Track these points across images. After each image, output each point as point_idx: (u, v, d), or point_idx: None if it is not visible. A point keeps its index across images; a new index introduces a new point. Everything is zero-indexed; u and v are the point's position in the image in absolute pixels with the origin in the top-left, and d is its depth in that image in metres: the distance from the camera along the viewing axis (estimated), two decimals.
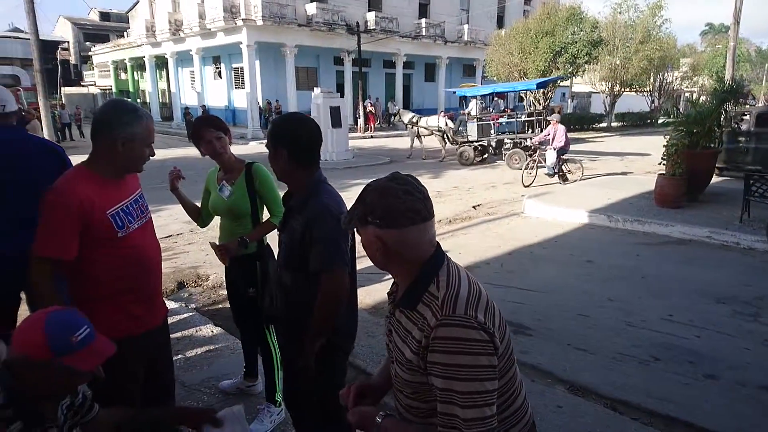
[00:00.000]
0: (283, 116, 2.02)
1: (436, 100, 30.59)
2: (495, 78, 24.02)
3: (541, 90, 20.44)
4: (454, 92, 19.09)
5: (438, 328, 1.09)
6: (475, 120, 14.85)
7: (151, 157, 1.91)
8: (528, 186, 10.59)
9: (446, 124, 15.11)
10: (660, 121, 12.27)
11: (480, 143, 14.54)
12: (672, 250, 6.34)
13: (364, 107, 24.23)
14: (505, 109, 20.12)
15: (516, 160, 13.24)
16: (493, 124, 15.40)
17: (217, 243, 2.75)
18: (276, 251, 2.20)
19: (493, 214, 8.25)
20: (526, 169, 10.97)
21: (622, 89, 28.30)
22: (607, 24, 25.84)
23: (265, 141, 2.14)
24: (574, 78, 24.92)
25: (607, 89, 28.32)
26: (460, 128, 15.25)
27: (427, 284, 1.17)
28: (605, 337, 3.98)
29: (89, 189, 1.76)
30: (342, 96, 17.36)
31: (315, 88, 15.89)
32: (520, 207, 8.63)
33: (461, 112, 17.35)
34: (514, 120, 15.73)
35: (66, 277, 1.81)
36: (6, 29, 41.26)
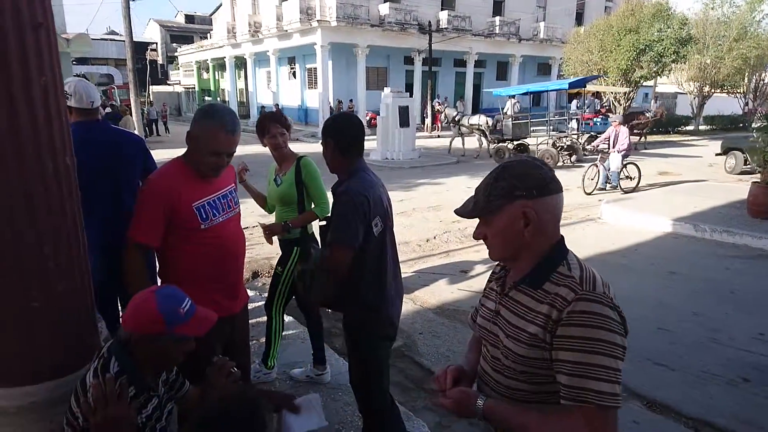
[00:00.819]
0: (334, 114, 2.31)
1: (506, 99, 29.77)
2: (572, 77, 23.09)
3: (623, 90, 19.46)
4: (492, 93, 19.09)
5: (577, 302, 1.13)
6: (510, 119, 15.33)
7: (219, 167, 1.95)
8: (590, 194, 9.82)
9: (486, 123, 15.44)
10: (755, 126, 11.15)
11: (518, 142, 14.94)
12: (765, 265, 5.82)
13: (432, 107, 24.13)
14: (600, 109, 19.22)
15: (548, 158, 13.05)
16: (580, 121, 15.80)
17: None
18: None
19: (566, 219, 7.95)
20: (587, 176, 10.03)
21: (712, 90, 26.23)
22: (698, 21, 24.02)
23: None
24: (659, 78, 23.38)
25: (695, 90, 26.36)
26: (497, 127, 15.55)
27: (556, 265, 1.21)
28: (688, 354, 3.72)
29: (179, 182, 1.91)
30: (411, 95, 17.36)
31: (385, 88, 16.03)
32: (596, 212, 8.26)
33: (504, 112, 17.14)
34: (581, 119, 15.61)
35: (155, 262, 1.98)
36: (104, 32, 45.00)
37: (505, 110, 16.91)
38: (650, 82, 26.05)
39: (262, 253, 6.28)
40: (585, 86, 16.98)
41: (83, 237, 1.94)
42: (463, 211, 1.28)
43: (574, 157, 13.98)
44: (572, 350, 1.11)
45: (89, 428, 1.36)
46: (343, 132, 2.10)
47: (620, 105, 20.92)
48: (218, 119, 1.88)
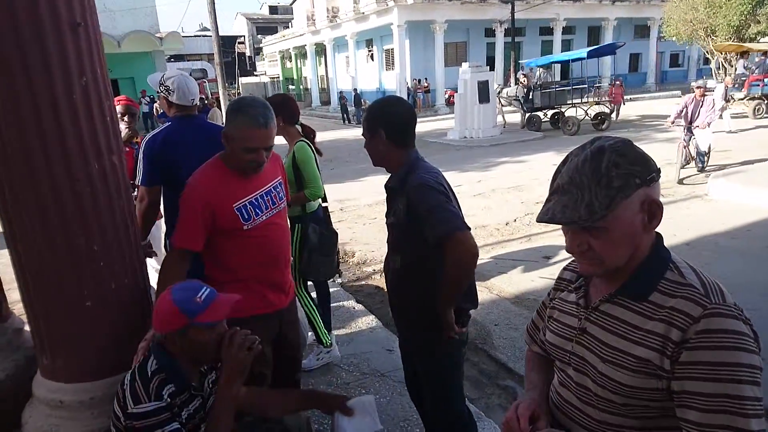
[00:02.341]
0: (378, 100, 1.98)
1: (599, 67, 27.67)
2: (674, 38, 20.90)
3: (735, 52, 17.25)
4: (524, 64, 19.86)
5: (707, 318, 0.91)
6: (539, 89, 15.35)
7: (258, 163, 1.85)
8: (682, 182, 7.91)
9: (523, 92, 15.54)
10: None
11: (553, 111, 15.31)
12: None
13: (516, 79, 22.98)
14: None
15: (570, 125, 13.93)
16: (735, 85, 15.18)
17: None
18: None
19: (668, 196, 7.16)
20: (677, 161, 8.02)
21: None
22: None
23: None
24: None
25: None
26: (530, 96, 15.50)
27: (662, 270, 0.99)
28: None
29: (218, 182, 1.85)
30: (492, 69, 16.65)
31: (463, 63, 15.46)
32: (703, 189, 7.37)
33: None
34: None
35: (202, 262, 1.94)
36: (197, 29, 47.93)
37: (535, 80, 16.91)
38: None
39: None
40: (615, 53, 17.67)
41: (136, 235, 1.95)
42: (572, 218, 0.95)
43: (605, 124, 14.44)
44: (705, 379, 0.89)
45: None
46: (395, 119, 1.84)
47: (731, 67, 18.57)
48: (248, 114, 1.78)
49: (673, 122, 8.36)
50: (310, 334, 3.25)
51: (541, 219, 1.00)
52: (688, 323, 0.91)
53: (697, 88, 8.23)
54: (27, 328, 2.09)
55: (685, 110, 8.08)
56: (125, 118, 3.77)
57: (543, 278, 4.62)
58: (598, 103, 15.01)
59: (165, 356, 1.46)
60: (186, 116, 2.67)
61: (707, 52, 20.19)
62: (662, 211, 0.97)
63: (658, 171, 0.98)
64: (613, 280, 1.04)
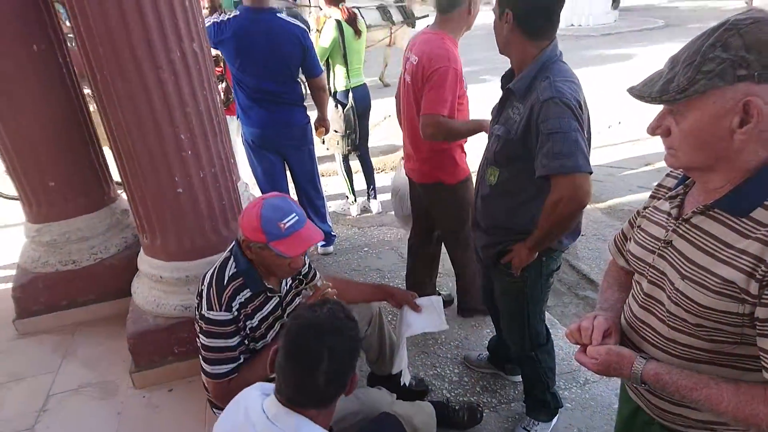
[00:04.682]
0: None
1: None
2: None
3: None
4: None
5: None
6: None
7: None
8: None
9: None
10: None
11: None
12: None
13: None
14: None
15: None
16: None
17: None
18: None
19: None
20: None
21: None
22: None
23: None
24: None
25: None
26: None
27: None
28: None
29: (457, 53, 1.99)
30: None
31: None
32: None
33: None
34: None
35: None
36: None
37: None
38: None
39: None
40: None
41: (221, 126, 1.98)
42: (645, 92, 0.84)
43: None
44: None
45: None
46: (531, 1, 1.46)
47: None
48: None
49: None
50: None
51: (627, 89, 0.89)
52: None
53: None
54: None
55: None
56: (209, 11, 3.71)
57: (641, 187, 4.25)
58: None
59: (244, 260, 1.47)
60: (252, 8, 2.60)
61: None
62: (765, 119, 0.76)
63: None
64: (713, 189, 0.88)
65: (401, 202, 2.66)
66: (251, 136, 2.85)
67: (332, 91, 3.52)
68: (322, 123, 3.12)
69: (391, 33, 7.65)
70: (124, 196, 2.29)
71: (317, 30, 3.75)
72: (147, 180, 1.84)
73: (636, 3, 14.43)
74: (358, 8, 8.04)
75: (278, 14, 2.70)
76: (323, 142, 3.61)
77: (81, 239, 2.36)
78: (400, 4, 8.14)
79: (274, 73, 2.68)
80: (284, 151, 2.94)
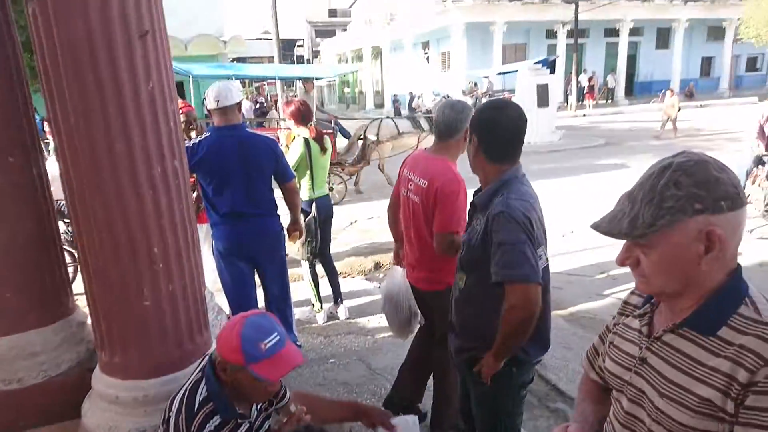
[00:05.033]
0: (487, 102, 1.92)
1: (669, 69, 26.36)
2: (753, 41, 19.55)
3: None
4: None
5: None
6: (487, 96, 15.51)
7: None
8: None
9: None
10: None
11: None
12: None
13: (578, 82, 22.20)
14: None
15: None
16: None
17: None
18: None
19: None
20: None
21: None
22: None
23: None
24: None
25: None
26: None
27: (736, 304, 0.91)
28: None
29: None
30: (552, 72, 16.15)
31: (521, 64, 15.10)
32: None
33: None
34: None
35: None
36: (260, 32, 49.65)
37: (484, 90, 17.61)
38: None
39: (384, 241, 6.27)
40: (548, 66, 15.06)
41: (194, 237, 2.00)
42: (613, 229, 0.93)
43: None
44: None
45: None
46: (493, 132, 1.66)
47: None
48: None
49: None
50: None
51: (591, 226, 0.98)
52: (758, 365, 0.83)
53: None
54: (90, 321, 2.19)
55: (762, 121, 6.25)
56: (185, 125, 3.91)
57: (600, 295, 4.40)
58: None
59: (216, 383, 1.41)
60: (222, 126, 2.75)
61: None
62: (724, 245, 0.87)
63: (734, 199, 0.86)
64: (679, 309, 0.96)
65: (397, 309, 2.67)
66: (223, 245, 2.87)
67: None
68: (296, 226, 3.18)
69: (419, 139, 8.91)
70: (82, 308, 2.20)
71: (286, 145, 4.00)
72: (114, 293, 1.79)
73: (582, 124, 15.98)
74: (390, 118, 9.92)
75: (247, 128, 2.87)
76: (297, 250, 3.67)
77: (31, 355, 2.21)
78: (428, 115, 9.99)
79: (249, 186, 2.78)
80: (257, 260, 2.95)
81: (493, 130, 1.66)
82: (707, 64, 29.66)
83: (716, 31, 27.87)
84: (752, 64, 31.12)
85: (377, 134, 8.83)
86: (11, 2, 2.18)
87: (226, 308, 3.17)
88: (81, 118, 1.66)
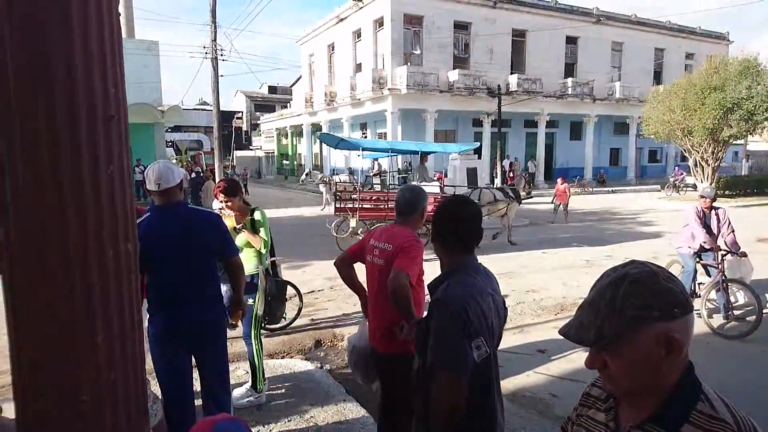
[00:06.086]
0: (451, 197, 2.24)
1: (582, 158, 29.10)
2: (653, 137, 22.14)
3: (710, 149, 18.37)
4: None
5: None
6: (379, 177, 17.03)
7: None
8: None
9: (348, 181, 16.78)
10: None
11: None
12: None
13: (502, 167, 23.89)
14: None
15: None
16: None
17: None
18: None
19: None
20: (705, 299, 5.76)
21: None
22: None
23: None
24: (750, 136, 21.82)
25: None
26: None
27: (693, 401, 0.99)
28: None
29: None
30: (479, 157, 17.36)
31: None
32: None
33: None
34: None
35: None
36: (197, 103, 49.81)
37: (374, 171, 18.94)
38: (741, 141, 24.38)
39: (326, 318, 6.16)
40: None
41: (140, 326, 1.90)
42: (582, 338, 1.01)
43: None
44: None
45: None
46: (449, 223, 1.81)
47: (708, 165, 19.57)
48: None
49: (712, 248, 5.75)
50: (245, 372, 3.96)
51: (560, 332, 1.06)
52: None
53: (701, 197, 5.97)
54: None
55: (688, 226, 5.94)
56: None
57: (538, 373, 4.50)
58: None
59: None
60: (162, 205, 2.69)
61: (684, 150, 21.32)
62: (682, 348, 0.98)
63: (685, 306, 0.98)
64: (643, 406, 1.03)
65: (368, 364, 2.74)
66: (159, 329, 2.71)
67: None
68: (239, 306, 3.08)
69: (507, 206, 11.08)
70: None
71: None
72: (46, 387, 1.64)
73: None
74: (488, 187, 13.34)
75: (189, 205, 2.83)
76: (234, 328, 3.54)
77: None
78: (512, 187, 13.72)
79: (190, 268, 2.68)
80: (196, 347, 2.79)
81: (453, 222, 1.81)
82: (615, 154, 33.08)
83: (622, 127, 31.46)
84: (654, 155, 35.15)
85: (479, 200, 10.45)
86: None
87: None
88: (37, 198, 1.59)
